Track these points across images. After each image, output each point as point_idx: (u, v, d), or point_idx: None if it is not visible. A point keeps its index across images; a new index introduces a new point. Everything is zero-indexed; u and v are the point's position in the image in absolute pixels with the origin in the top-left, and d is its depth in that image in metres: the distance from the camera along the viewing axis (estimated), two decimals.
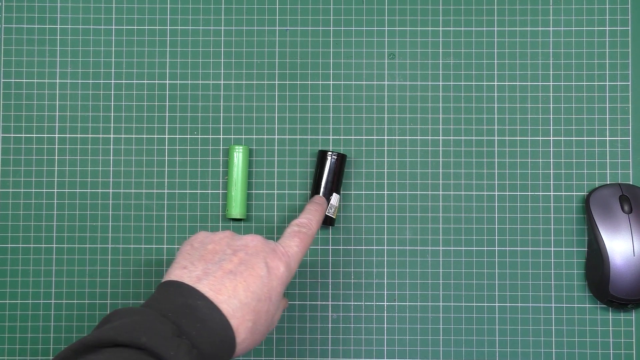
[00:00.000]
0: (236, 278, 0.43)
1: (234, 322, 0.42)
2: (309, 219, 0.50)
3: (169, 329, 0.39)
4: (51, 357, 0.57)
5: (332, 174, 0.56)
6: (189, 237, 0.49)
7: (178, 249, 0.51)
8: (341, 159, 0.56)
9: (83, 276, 0.57)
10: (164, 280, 0.44)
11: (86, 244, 0.57)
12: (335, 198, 0.56)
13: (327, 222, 0.56)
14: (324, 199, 0.54)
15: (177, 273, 0.44)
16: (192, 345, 0.40)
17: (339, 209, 0.57)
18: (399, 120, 0.58)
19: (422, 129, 0.58)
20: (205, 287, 0.42)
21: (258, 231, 0.57)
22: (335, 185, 0.56)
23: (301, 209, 0.57)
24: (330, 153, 0.56)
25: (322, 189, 0.56)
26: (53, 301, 0.57)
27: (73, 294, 0.57)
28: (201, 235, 0.47)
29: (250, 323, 0.43)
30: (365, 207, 0.57)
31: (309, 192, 0.58)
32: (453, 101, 0.58)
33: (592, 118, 0.58)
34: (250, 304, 0.43)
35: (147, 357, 0.38)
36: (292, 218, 0.57)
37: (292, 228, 0.49)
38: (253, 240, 0.46)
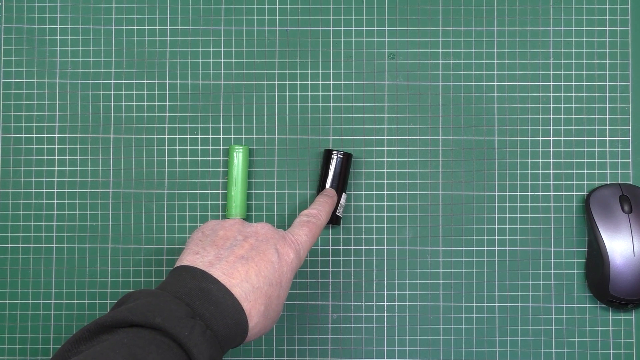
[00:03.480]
0: (248, 263, 0.44)
1: (246, 305, 0.42)
2: (319, 210, 0.51)
3: (183, 310, 0.40)
4: (51, 357, 0.57)
5: (338, 173, 0.56)
6: (199, 225, 0.50)
7: (189, 236, 0.51)
8: (347, 158, 0.56)
9: (83, 276, 0.57)
10: (176, 265, 0.45)
11: (86, 244, 0.57)
12: (344, 198, 0.56)
13: (335, 221, 0.56)
14: (334, 192, 0.55)
15: (190, 258, 0.44)
16: (206, 327, 0.40)
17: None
18: (399, 120, 0.58)
19: (422, 129, 0.58)
20: (217, 272, 0.43)
21: None
22: (341, 184, 0.56)
23: (301, 208, 0.57)
24: (336, 152, 0.56)
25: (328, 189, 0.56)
26: (53, 301, 0.57)
27: (73, 294, 0.57)
28: (212, 223, 0.48)
29: (263, 307, 0.43)
30: (365, 207, 0.57)
31: (309, 192, 0.58)
32: (453, 101, 0.58)
33: (592, 118, 0.58)
34: (262, 288, 0.43)
35: (162, 337, 0.38)
36: (292, 218, 0.57)
37: (302, 218, 0.50)
38: (263, 228, 0.47)
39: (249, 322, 0.43)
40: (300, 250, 0.47)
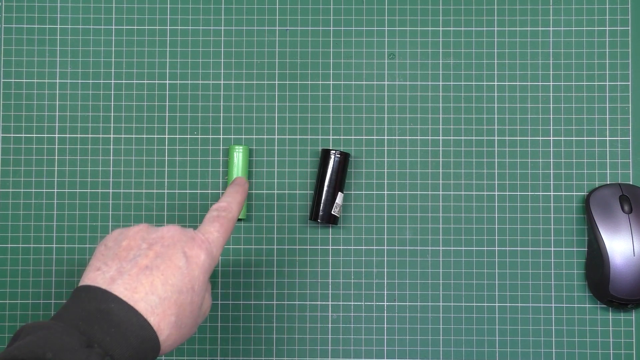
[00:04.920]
0: (152, 273, 0.41)
1: (153, 319, 0.40)
2: (229, 202, 0.48)
3: (77, 340, 0.38)
4: None
5: (335, 172, 0.56)
6: (102, 237, 0.47)
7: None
8: (344, 158, 0.56)
9: None
10: (79, 284, 0.42)
11: (86, 244, 0.57)
12: (340, 197, 0.56)
13: (332, 220, 0.56)
14: (244, 180, 0.52)
15: (91, 276, 0.42)
16: (105, 354, 0.38)
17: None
18: (399, 120, 0.58)
19: (422, 129, 0.58)
20: (120, 288, 0.40)
21: (258, 231, 0.57)
22: (339, 183, 0.56)
23: (301, 208, 0.57)
24: (333, 152, 0.56)
25: (325, 188, 0.56)
26: (53, 301, 0.57)
27: None
28: (115, 233, 0.45)
29: (174, 317, 0.41)
30: (365, 207, 0.57)
31: (309, 192, 0.58)
32: (453, 101, 0.58)
33: (592, 118, 0.58)
34: (171, 298, 0.41)
35: None
36: (292, 218, 0.57)
37: (212, 213, 0.47)
38: (169, 231, 0.44)
39: (159, 335, 0.40)
40: (212, 249, 0.45)
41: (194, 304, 0.43)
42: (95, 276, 0.42)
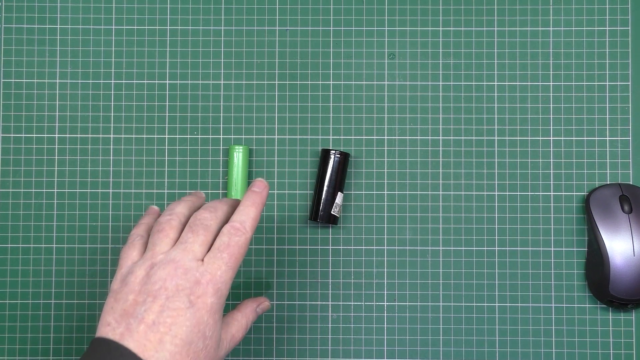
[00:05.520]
0: (159, 330, 0.41)
1: None
2: (242, 221, 0.46)
3: None
4: (51, 357, 0.57)
5: (335, 172, 0.56)
6: (111, 285, 0.47)
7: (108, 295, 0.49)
8: (344, 158, 0.56)
9: (83, 276, 0.57)
10: (95, 336, 0.43)
11: (86, 244, 0.57)
12: (339, 197, 0.56)
13: (332, 220, 0.56)
14: (264, 184, 0.48)
15: (104, 330, 0.42)
16: None
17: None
18: (399, 120, 0.58)
19: (422, 129, 0.58)
20: (130, 344, 0.41)
21: (258, 231, 0.57)
22: (338, 183, 0.56)
23: (301, 208, 0.57)
24: (333, 152, 0.56)
25: (325, 188, 0.56)
26: (53, 301, 0.57)
27: (73, 294, 0.57)
28: (117, 283, 0.45)
29: None
30: (365, 207, 0.57)
31: (309, 192, 0.58)
32: (453, 101, 0.58)
33: (592, 118, 0.58)
34: (182, 351, 0.41)
35: None
36: (292, 218, 0.57)
37: (222, 239, 0.45)
38: (172, 279, 0.43)
39: None
40: (221, 288, 0.43)
41: (208, 348, 0.43)
42: (107, 331, 0.42)
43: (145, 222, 0.49)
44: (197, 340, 0.42)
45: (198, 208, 0.49)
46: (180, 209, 0.47)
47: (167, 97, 0.58)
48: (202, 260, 0.44)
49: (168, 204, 0.51)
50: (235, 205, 0.49)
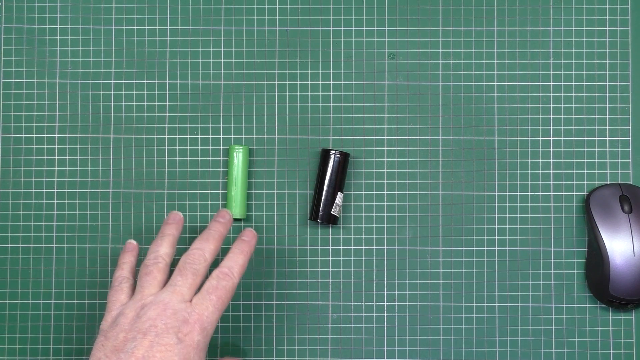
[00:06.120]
0: None
1: None
2: (230, 267, 0.49)
3: None
4: (51, 357, 0.57)
5: (335, 172, 0.56)
6: (100, 326, 0.49)
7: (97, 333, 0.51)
8: (344, 158, 0.56)
9: (83, 276, 0.57)
10: None
11: (86, 244, 0.57)
12: (339, 197, 0.56)
13: (332, 220, 0.56)
14: (253, 234, 0.52)
15: None
16: None
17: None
18: (399, 120, 0.58)
19: (422, 129, 0.58)
20: None
21: (258, 231, 0.57)
22: (338, 183, 0.56)
23: (301, 208, 0.57)
24: (333, 152, 0.56)
25: (325, 188, 0.56)
26: (53, 301, 0.57)
27: (73, 294, 0.57)
28: (107, 324, 0.47)
29: None
30: (365, 207, 0.57)
31: (309, 192, 0.58)
32: (453, 101, 0.58)
33: (592, 118, 0.58)
34: None
35: None
36: (292, 218, 0.57)
37: (211, 282, 0.48)
38: (162, 318, 0.45)
39: None
40: (207, 327, 0.46)
41: None
42: None
43: (126, 261, 0.52)
44: None
45: (179, 235, 0.52)
46: (164, 249, 0.50)
47: (167, 97, 0.58)
48: (190, 301, 0.47)
49: (153, 240, 0.52)
50: (222, 238, 0.51)
